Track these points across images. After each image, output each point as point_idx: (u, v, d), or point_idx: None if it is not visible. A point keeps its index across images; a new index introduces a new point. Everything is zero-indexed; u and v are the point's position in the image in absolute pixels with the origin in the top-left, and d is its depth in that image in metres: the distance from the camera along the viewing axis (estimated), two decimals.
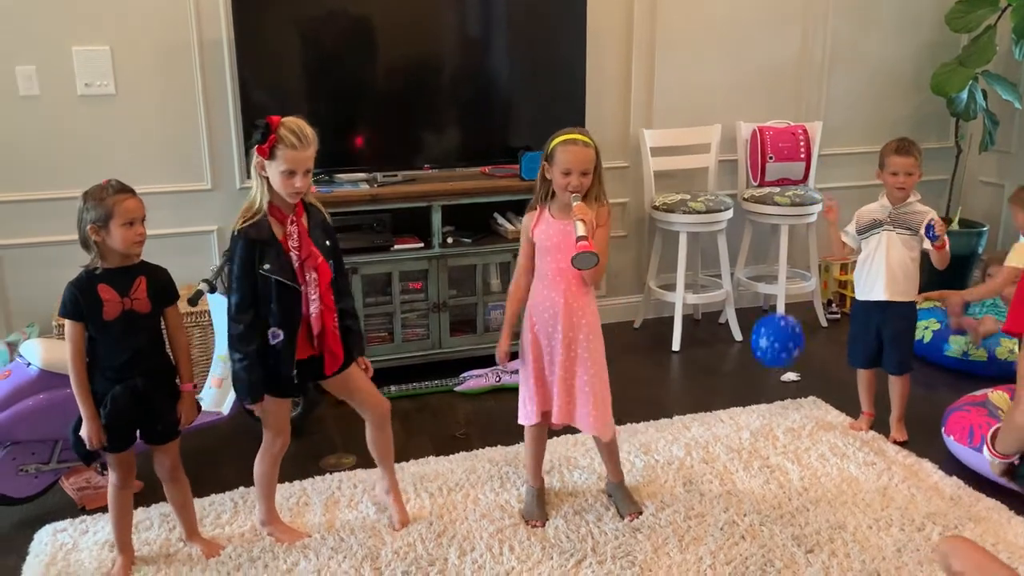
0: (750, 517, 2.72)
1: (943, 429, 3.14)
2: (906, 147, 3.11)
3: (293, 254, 2.33)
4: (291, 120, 2.27)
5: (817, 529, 2.66)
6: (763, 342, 3.09)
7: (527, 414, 2.69)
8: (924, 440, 3.23)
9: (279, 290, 2.32)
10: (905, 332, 3.24)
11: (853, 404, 3.49)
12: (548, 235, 2.55)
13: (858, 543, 2.59)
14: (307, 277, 2.35)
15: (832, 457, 3.10)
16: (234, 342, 2.36)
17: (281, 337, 2.36)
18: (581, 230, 2.39)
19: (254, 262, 2.30)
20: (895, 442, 3.23)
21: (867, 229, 3.20)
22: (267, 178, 2.29)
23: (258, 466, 2.59)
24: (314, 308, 2.37)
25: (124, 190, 2.25)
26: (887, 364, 3.28)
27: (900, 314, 3.20)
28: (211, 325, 3.38)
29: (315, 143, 2.29)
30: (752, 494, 2.86)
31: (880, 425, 3.32)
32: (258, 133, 2.25)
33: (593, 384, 2.59)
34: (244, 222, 2.31)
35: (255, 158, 2.28)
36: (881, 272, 3.16)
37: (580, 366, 2.59)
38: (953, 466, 3.03)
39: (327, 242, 2.42)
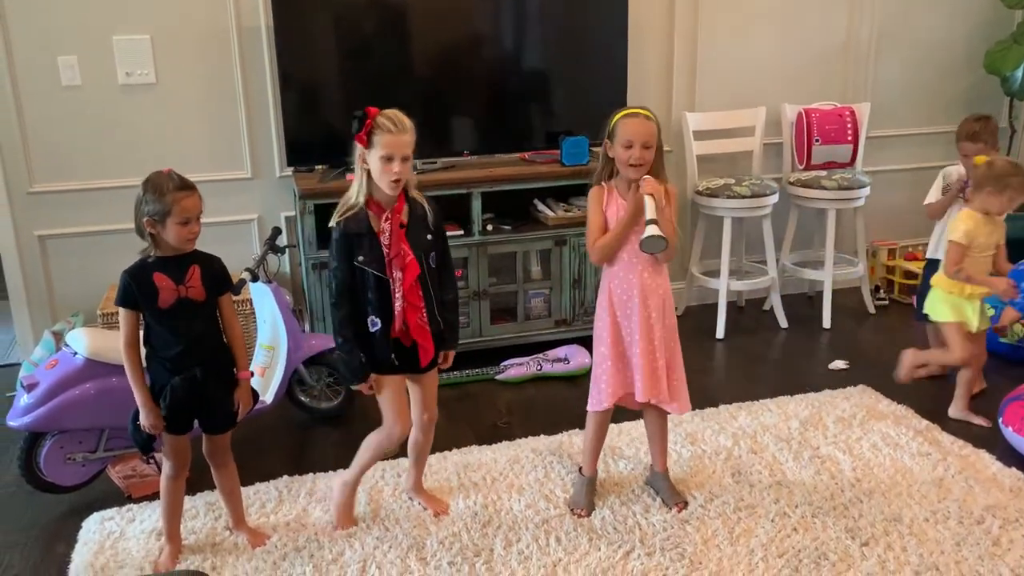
0: (802, 509, 2.66)
1: (1000, 420, 3.05)
2: (975, 134, 3.30)
3: (384, 249, 2.37)
4: (388, 110, 2.33)
5: (872, 521, 2.59)
6: None
7: (598, 399, 2.64)
8: (981, 431, 3.14)
9: (375, 281, 2.37)
10: None
11: (904, 392, 3.41)
12: (619, 217, 2.52)
13: (915, 536, 2.52)
14: (393, 274, 2.37)
15: (885, 447, 3.01)
16: (336, 328, 2.44)
17: (379, 326, 2.41)
18: (650, 211, 2.38)
19: (351, 253, 2.36)
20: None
21: (944, 192, 3.42)
22: (367, 171, 2.34)
23: (368, 440, 2.58)
24: (397, 305, 2.39)
25: (184, 187, 2.23)
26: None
27: None
28: (253, 314, 3.39)
29: (412, 131, 2.33)
30: (803, 485, 2.80)
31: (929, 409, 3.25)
32: (356, 122, 2.30)
33: (671, 360, 2.60)
34: (342, 215, 2.37)
35: (357, 150, 2.34)
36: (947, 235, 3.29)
37: (662, 344, 2.56)
38: (1012, 457, 2.93)
39: (428, 236, 2.44)
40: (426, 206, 2.46)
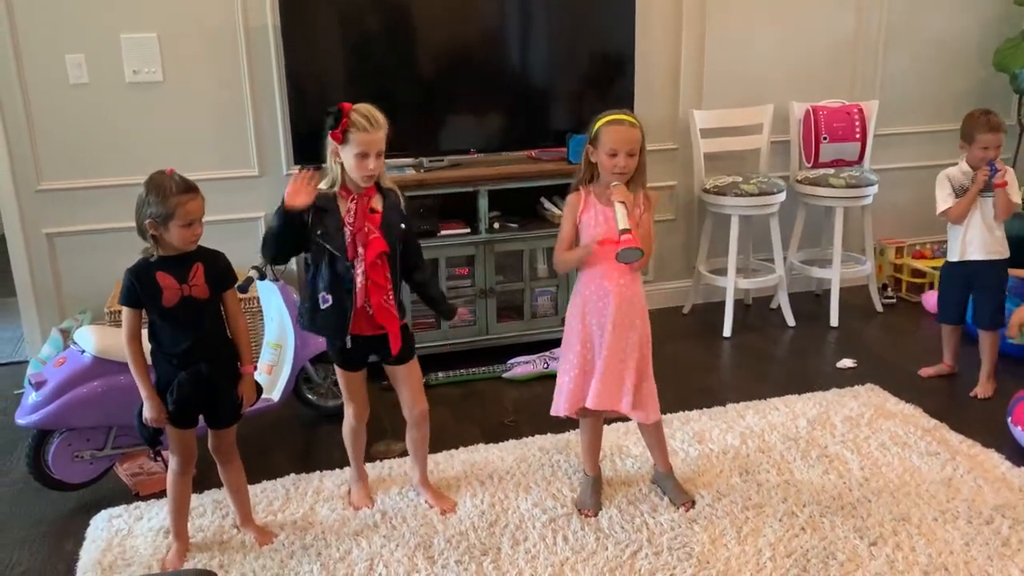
0: (810, 508, 2.65)
1: (1010, 419, 3.03)
2: (996, 124, 3.23)
3: (347, 228, 2.39)
4: (361, 105, 2.36)
5: (880, 521, 2.58)
6: None
7: (556, 404, 2.65)
8: (989, 430, 3.12)
9: (330, 258, 2.42)
10: (997, 288, 3.40)
11: (913, 391, 3.40)
12: (597, 222, 2.51)
13: (923, 536, 2.51)
14: (357, 251, 2.41)
15: (893, 446, 3.00)
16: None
17: (330, 302, 2.45)
18: (623, 220, 2.36)
19: (305, 221, 2.38)
20: (980, 397, 3.38)
21: (959, 194, 3.33)
22: (342, 164, 2.39)
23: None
24: (359, 281, 2.43)
25: (188, 189, 2.22)
26: (979, 319, 3.44)
27: (992, 271, 3.37)
28: (261, 312, 3.39)
29: (385, 126, 2.37)
30: (811, 484, 2.79)
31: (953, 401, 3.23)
32: (331, 119, 2.33)
33: (641, 368, 2.56)
34: None
35: (330, 145, 2.37)
36: (976, 234, 3.33)
37: (631, 351, 2.54)
38: (1021, 457, 2.92)
39: (402, 224, 2.49)
40: (399, 196, 2.50)
